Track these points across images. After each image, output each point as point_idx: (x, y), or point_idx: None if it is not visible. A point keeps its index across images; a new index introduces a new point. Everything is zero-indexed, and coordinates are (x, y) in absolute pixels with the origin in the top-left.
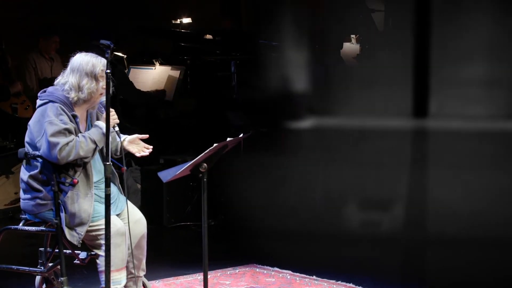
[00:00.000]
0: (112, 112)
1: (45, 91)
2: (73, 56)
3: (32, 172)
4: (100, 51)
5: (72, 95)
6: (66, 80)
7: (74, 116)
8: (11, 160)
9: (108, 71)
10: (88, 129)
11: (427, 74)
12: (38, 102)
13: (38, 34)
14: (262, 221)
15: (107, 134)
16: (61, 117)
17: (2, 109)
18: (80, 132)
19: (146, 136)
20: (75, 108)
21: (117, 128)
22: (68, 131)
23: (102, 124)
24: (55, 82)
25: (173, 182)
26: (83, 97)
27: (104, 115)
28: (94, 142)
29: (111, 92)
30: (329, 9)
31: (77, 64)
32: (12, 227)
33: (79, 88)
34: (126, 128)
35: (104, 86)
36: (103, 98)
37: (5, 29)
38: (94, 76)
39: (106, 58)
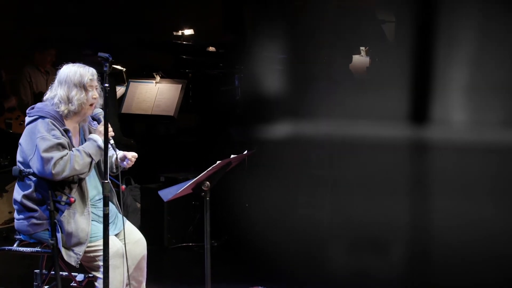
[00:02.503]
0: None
1: (33, 108)
2: (60, 68)
3: (26, 192)
4: (97, 65)
5: (62, 108)
6: (54, 93)
7: (66, 131)
8: (5, 178)
9: (107, 84)
10: (82, 144)
11: (429, 78)
12: (27, 119)
13: (33, 47)
14: (268, 242)
15: (105, 150)
16: (53, 132)
17: None
18: (74, 147)
19: (135, 155)
20: (66, 122)
21: (112, 141)
22: (61, 146)
23: (96, 137)
24: (44, 98)
25: (174, 201)
26: (73, 109)
27: (98, 128)
28: (90, 156)
29: (101, 104)
30: (338, 21)
31: (65, 76)
32: (6, 248)
33: (68, 100)
34: (130, 146)
35: (95, 96)
36: (96, 111)
37: None
38: (82, 86)
39: (104, 71)
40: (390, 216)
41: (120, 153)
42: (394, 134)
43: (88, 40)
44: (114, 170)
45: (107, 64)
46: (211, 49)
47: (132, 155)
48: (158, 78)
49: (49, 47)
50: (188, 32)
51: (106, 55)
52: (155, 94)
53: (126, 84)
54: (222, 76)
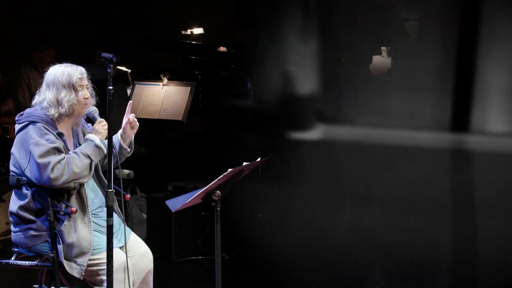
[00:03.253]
0: (103, 122)
1: (22, 114)
2: (47, 71)
3: (22, 202)
4: (99, 66)
5: (52, 111)
6: (43, 97)
7: (60, 134)
8: (2, 187)
9: (110, 87)
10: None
11: (470, 81)
12: (17, 126)
13: (32, 47)
14: (283, 256)
15: (109, 157)
16: (47, 137)
17: None
18: (70, 150)
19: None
20: (58, 126)
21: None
22: (57, 150)
23: (92, 136)
24: (33, 103)
25: (182, 211)
26: (64, 112)
27: (94, 126)
28: (88, 157)
29: (94, 102)
30: (357, 20)
31: (52, 78)
32: (3, 261)
33: (58, 103)
34: (140, 154)
35: (86, 96)
36: (90, 109)
37: None
38: (72, 87)
39: (108, 73)
40: (426, 236)
41: (119, 132)
42: (422, 141)
43: (91, 40)
44: (128, 150)
45: (111, 66)
46: (222, 49)
47: (131, 117)
48: (165, 80)
49: (48, 47)
50: (198, 31)
51: (110, 55)
52: (162, 97)
53: (131, 86)
54: (234, 78)
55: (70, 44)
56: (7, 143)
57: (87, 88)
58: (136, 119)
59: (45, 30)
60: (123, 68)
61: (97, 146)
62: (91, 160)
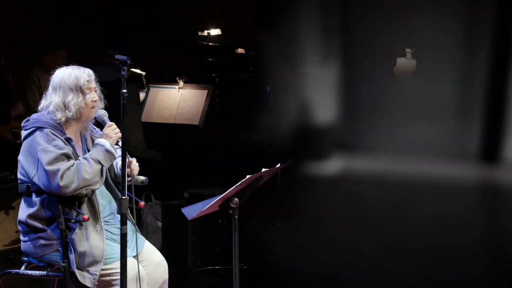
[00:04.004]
0: (113, 126)
1: (28, 120)
2: (53, 73)
3: (31, 211)
4: (111, 68)
5: (59, 115)
6: (49, 101)
7: (69, 140)
8: (12, 194)
9: (124, 90)
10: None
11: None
12: (23, 133)
13: (42, 48)
14: (304, 266)
15: (123, 163)
16: (55, 142)
17: (1, 135)
18: (79, 156)
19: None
20: (66, 130)
21: (120, 144)
22: (66, 156)
23: (103, 141)
24: (39, 108)
25: (199, 219)
26: (71, 116)
27: (103, 130)
28: (99, 162)
29: (102, 106)
30: (380, 20)
31: (59, 80)
32: (13, 271)
33: (65, 107)
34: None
35: (94, 99)
36: (99, 112)
37: (4, 43)
38: (79, 89)
39: (122, 75)
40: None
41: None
42: (450, 173)
43: (103, 41)
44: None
45: (125, 68)
46: (240, 50)
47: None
48: (181, 83)
49: (59, 48)
50: (215, 31)
51: (124, 57)
52: (178, 100)
53: (145, 89)
54: (253, 81)
55: (82, 45)
56: (17, 149)
57: (95, 90)
58: (137, 164)
59: (56, 31)
60: (137, 71)
61: (108, 151)
62: (102, 165)
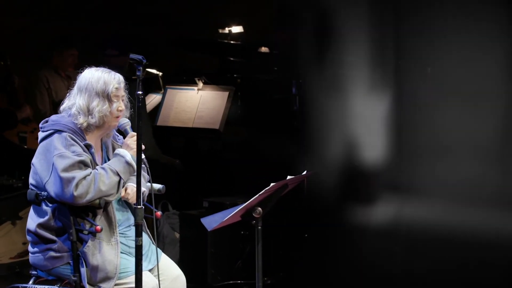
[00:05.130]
0: (134, 136)
1: (47, 121)
2: (81, 72)
3: (41, 220)
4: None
5: (81, 120)
6: (73, 102)
7: (88, 146)
8: (19, 203)
9: (140, 92)
10: (105, 163)
11: None
12: (41, 135)
13: (52, 47)
14: (332, 280)
15: (138, 169)
16: (73, 148)
17: (7, 139)
18: (98, 165)
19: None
20: (86, 136)
21: (142, 155)
22: (83, 164)
23: (123, 151)
24: (61, 108)
25: (219, 230)
26: (93, 122)
27: (125, 140)
28: (117, 174)
29: (128, 115)
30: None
31: (86, 82)
32: (20, 285)
33: (88, 112)
34: (174, 167)
35: (120, 108)
36: (122, 121)
37: (10, 41)
38: (106, 96)
39: (137, 76)
40: None
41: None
42: None
43: (117, 39)
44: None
45: (141, 68)
46: (264, 49)
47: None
48: (200, 84)
49: (70, 47)
50: (236, 29)
51: (139, 57)
52: (197, 103)
53: (162, 91)
54: (277, 82)
55: (94, 44)
56: (24, 154)
57: (123, 99)
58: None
59: (67, 28)
60: (154, 71)
61: (128, 163)
62: (120, 178)
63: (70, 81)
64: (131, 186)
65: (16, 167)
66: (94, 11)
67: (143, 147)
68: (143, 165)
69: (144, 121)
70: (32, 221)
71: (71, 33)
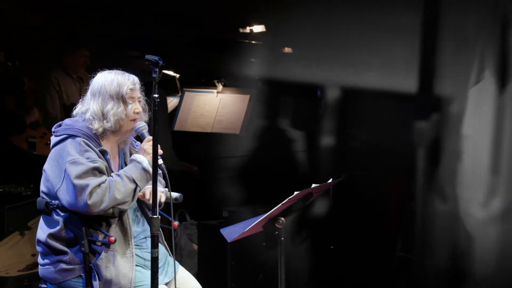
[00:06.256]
0: (151, 140)
1: (60, 125)
2: (94, 77)
3: (52, 230)
4: (138, 70)
5: (96, 125)
6: (86, 107)
7: (103, 152)
8: (28, 212)
9: (156, 95)
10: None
11: None
12: (53, 139)
13: (62, 47)
14: None
15: (154, 175)
16: (87, 154)
17: (15, 145)
18: (113, 172)
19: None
20: (102, 142)
21: (161, 161)
22: (98, 171)
23: (140, 157)
24: (74, 113)
25: (240, 241)
26: (109, 127)
27: (142, 145)
28: (133, 181)
29: (146, 118)
30: None
31: (99, 86)
32: None
33: (103, 116)
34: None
35: (137, 110)
36: (138, 124)
37: (19, 41)
38: (121, 98)
39: (153, 78)
40: None
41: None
42: None
43: (131, 39)
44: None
45: (157, 70)
46: (287, 50)
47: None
48: (220, 86)
49: (81, 47)
50: (258, 28)
51: (155, 58)
52: (216, 107)
53: (179, 94)
54: (301, 85)
55: (107, 44)
56: (33, 161)
57: (139, 101)
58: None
59: (78, 27)
60: (170, 73)
61: (145, 170)
62: (136, 185)
63: (82, 83)
64: (150, 189)
65: (25, 175)
66: (106, 9)
67: (160, 151)
68: (160, 172)
69: (163, 127)
70: (42, 231)
71: (82, 32)
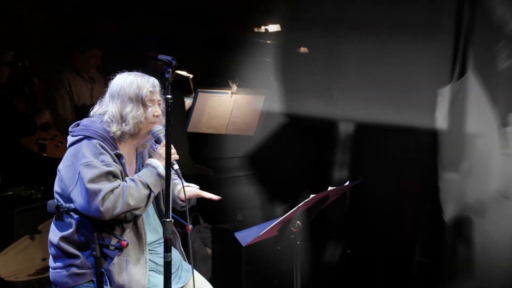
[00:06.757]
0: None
1: (78, 125)
2: (113, 78)
3: (64, 233)
4: (153, 72)
5: (114, 128)
6: (105, 109)
7: (119, 156)
8: (38, 215)
9: (169, 96)
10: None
11: None
12: (70, 139)
13: (73, 47)
14: None
15: (167, 180)
16: (102, 157)
17: (26, 147)
18: (128, 176)
19: (215, 198)
20: (119, 146)
21: (177, 167)
22: (112, 175)
23: (156, 162)
24: (91, 113)
25: (254, 245)
26: (128, 130)
27: (157, 150)
28: (148, 187)
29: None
30: None
31: (118, 88)
32: None
33: (122, 119)
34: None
35: (156, 113)
36: (155, 128)
37: (29, 40)
38: (140, 101)
39: (166, 79)
40: None
41: (192, 190)
42: None
43: (144, 38)
44: (179, 205)
45: (170, 70)
46: (303, 50)
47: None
48: (234, 87)
49: (92, 47)
50: (273, 27)
51: (169, 58)
52: (230, 108)
53: (193, 95)
54: (317, 85)
55: (119, 43)
56: (44, 163)
57: (159, 104)
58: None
59: (89, 27)
60: (184, 73)
61: (160, 175)
62: (151, 191)
63: (93, 84)
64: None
65: (35, 177)
66: (118, 8)
67: (177, 157)
68: (176, 177)
69: (178, 129)
70: (54, 234)
71: (93, 32)
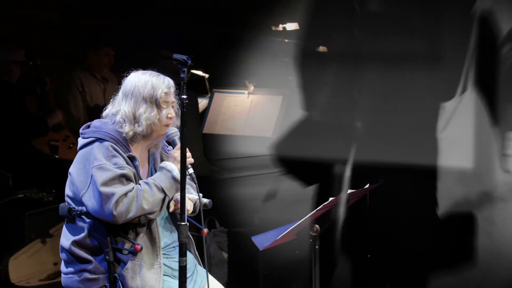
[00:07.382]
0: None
1: (89, 126)
2: (126, 76)
3: (77, 237)
4: (169, 71)
5: (127, 129)
6: (117, 109)
7: (132, 158)
8: (49, 219)
9: (184, 96)
10: (151, 176)
11: None
12: (81, 141)
13: (85, 46)
14: None
15: (182, 183)
16: (115, 160)
17: (37, 148)
18: (141, 179)
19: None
20: (131, 147)
21: (191, 170)
22: (125, 178)
23: (170, 165)
24: (104, 114)
25: (272, 250)
26: (140, 131)
27: (172, 153)
28: (162, 191)
29: (179, 124)
30: None
31: (132, 87)
32: None
33: (135, 120)
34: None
35: (170, 115)
36: (170, 130)
37: (40, 39)
38: (154, 102)
39: (181, 78)
40: None
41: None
42: None
43: (157, 37)
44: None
45: (185, 70)
46: (321, 49)
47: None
48: (251, 87)
49: (105, 46)
50: (291, 26)
51: (184, 57)
52: (247, 108)
53: (209, 95)
54: (336, 85)
55: (132, 42)
56: (55, 165)
57: (173, 106)
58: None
59: (101, 25)
60: (199, 73)
61: (174, 179)
62: (165, 195)
63: (106, 84)
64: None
65: (47, 179)
66: (131, 6)
67: (192, 160)
68: (190, 181)
69: (194, 131)
70: (66, 238)
71: (106, 30)
